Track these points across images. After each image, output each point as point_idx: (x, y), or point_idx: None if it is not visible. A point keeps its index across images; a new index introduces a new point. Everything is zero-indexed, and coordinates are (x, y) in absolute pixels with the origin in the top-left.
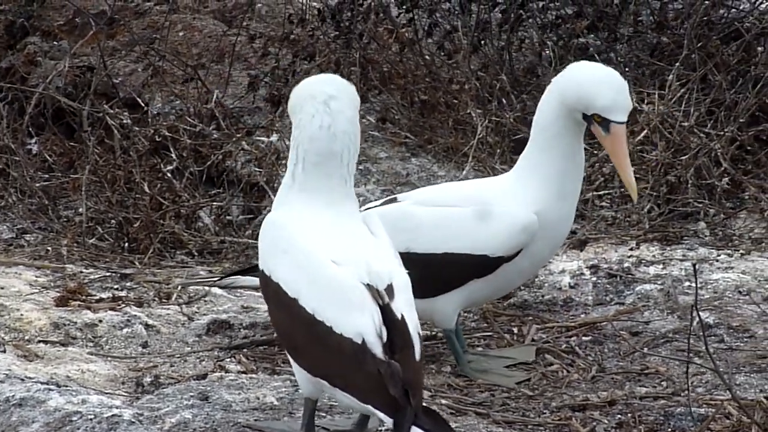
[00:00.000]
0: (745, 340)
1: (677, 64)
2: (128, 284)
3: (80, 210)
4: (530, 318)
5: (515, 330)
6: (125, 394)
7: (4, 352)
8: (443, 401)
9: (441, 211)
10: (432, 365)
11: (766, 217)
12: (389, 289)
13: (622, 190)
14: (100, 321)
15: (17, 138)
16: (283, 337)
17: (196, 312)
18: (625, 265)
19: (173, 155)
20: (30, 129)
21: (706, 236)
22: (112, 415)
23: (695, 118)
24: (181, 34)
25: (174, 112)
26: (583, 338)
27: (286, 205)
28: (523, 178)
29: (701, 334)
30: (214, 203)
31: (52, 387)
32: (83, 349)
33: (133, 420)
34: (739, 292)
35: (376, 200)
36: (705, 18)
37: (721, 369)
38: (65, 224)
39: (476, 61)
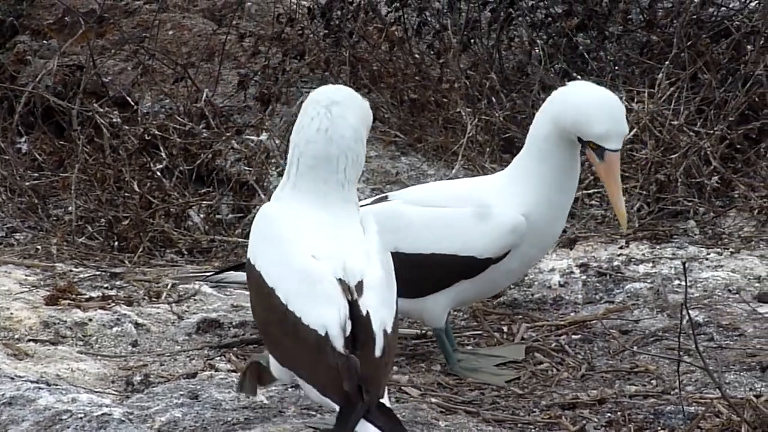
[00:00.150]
0: (735, 338)
1: (667, 62)
2: (118, 283)
3: (70, 209)
4: (520, 316)
5: (505, 328)
6: (115, 392)
7: None
8: (433, 400)
9: (429, 211)
10: (422, 364)
11: (756, 216)
12: (359, 286)
13: None
14: (90, 320)
15: (7, 137)
16: (259, 325)
17: (186, 311)
18: (615, 263)
19: (163, 154)
20: (19, 128)
21: (695, 235)
22: (102, 414)
23: (685, 117)
24: (170, 32)
25: (163, 111)
26: (573, 337)
27: (281, 200)
28: (515, 179)
29: (691, 332)
30: (204, 202)
31: (42, 386)
32: (73, 347)
33: (123, 419)
34: (729, 290)
35: (365, 199)
36: (695, 16)
37: (710, 367)
38: (55, 223)
39: (466, 60)
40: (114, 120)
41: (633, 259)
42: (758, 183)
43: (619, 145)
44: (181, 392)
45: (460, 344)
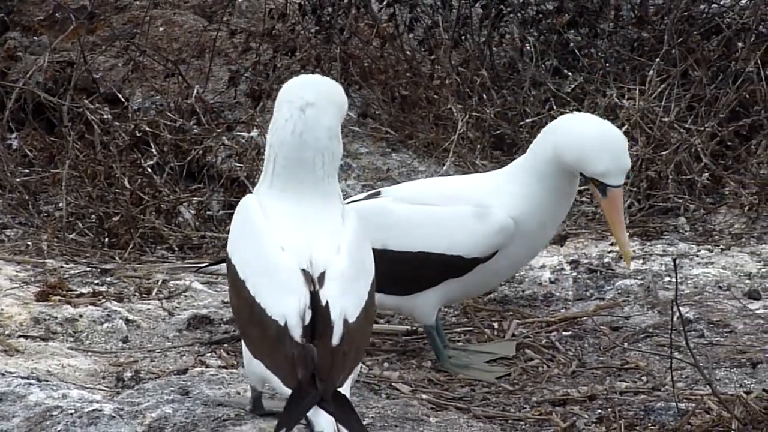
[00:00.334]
0: (726, 335)
1: (657, 59)
2: (108, 279)
3: (60, 205)
4: (510, 313)
5: (496, 325)
6: (106, 388)
7: None
8: (424, 396)
9: (418, 209)
10: (413, 360)
11: (746, 213)
12: (321, 277)
13: None
14: (81, 316)
15: None
16: (235, 317)
17: (177, 307)
18: (606, 260)
19: (153, 150)
20: (10, 124)
21: (686, 231)
22: (93, 410)
23: (675, 114)
24: (161, 29)
25: (154, 107)
26: (564, 333)
27: (260, 195)
28: (510, 182)
29: (681, 329)
30: (195, 198)
31: (32, 381)
32: (64, 343)
33: (113, 415)
34: (720, 287)
35: (356, 195)
36: (685, 13)
37: (701, 364)
38: (45, 219)
39: (457, 57)
40: (105, 116)
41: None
42: (749, 180)
43: (622, 181)
44: (172, 388)
45: (451, 341)
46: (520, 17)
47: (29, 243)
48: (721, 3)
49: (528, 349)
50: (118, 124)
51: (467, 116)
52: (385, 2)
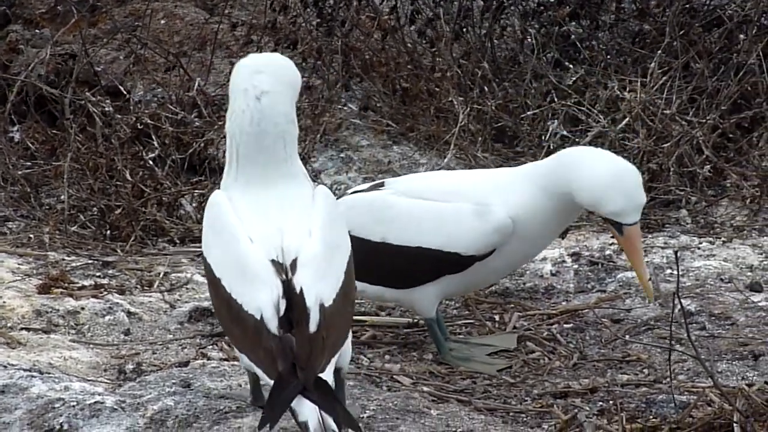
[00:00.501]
0: (727, 327)
1: (659, 51)
2: (110, 272)
3: (62, 198)
4: (512, 305)
5: (497, 317)
6: (107, 381)
7: None
8: (425, 389)
9: (418, 203)
10: (414, 353)
11: (748, 205)
12: (293, 264)
13: None
14: (83, 308)
15: None
16: (216, 315)
17: (178, 299)
18: (607, 252)
19: (155, 143)
20: (12, 117)
21: (687, 224)
22: (95, 402)
23: (677, 106)
24: (162, 21)
25: (156, 99)
26: (565, 326)
27: (227, 188)
28: (515, 183)
29: (683, 321)
30: (196, 191)
31: (34, 374)
32: (65, 336)
33: (115, 407)
34: (721, 279)
35: (358, 186)
36: (687, 5)
37: (702, 356)
38: (47, 212)
39: (458, 49)
40: (106, 109)
41: None
42: (750, 172)
43: (637, 218)
44: (173, 380)
45: (452, 333)
46: (521, 9)
47: (31, 235)
48: None
49: (529, 341)
50: (119, 116)
51: (468, 109)
52: None
